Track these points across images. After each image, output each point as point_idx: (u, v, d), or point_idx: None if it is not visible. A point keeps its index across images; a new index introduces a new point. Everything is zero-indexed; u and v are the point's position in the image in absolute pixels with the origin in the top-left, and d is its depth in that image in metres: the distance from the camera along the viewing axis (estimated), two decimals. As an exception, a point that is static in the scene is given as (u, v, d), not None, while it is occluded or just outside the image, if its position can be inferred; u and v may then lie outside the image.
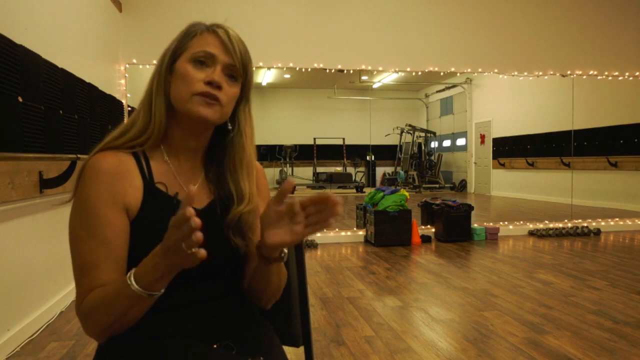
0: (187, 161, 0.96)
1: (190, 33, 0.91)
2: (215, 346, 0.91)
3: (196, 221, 0.69)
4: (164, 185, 0.92)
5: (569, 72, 5.90)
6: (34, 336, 2.62)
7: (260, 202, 1.00)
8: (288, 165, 11.01)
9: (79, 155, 3.01)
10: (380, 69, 5.53)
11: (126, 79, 4.87)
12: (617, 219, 6.20)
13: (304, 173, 11.27)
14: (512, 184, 9.43)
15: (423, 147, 12.22)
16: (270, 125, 10.86)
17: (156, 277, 0.77)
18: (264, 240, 0.84)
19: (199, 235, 0.70)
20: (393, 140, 11.92)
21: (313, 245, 5.18)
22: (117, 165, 0.88)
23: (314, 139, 11.30)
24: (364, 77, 9.56)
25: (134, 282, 0.77)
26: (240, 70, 0.91)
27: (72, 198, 0.89)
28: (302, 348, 1.16)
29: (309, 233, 0.82)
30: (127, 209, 0.87)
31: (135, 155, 0.91)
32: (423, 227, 5.71)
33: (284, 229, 0.82)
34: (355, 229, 5.74)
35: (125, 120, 4.65)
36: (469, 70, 5.72)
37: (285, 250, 0.89)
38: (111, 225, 0.85)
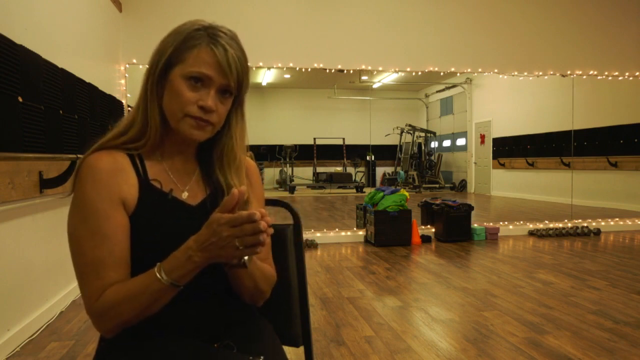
0: (180, 160, 0.98)
1: (188, 42, 0.88)
2: (215, 345, 0.91)
3: (265, 223, 0.77)
4: (159, 182, 0.93)
5: (569, 72, 5.90)
6: (34, 336, 2.62)
7: (254, 202, 1.00)
8: (288, 165, 11.01)
9: (79, 155, 3.01)
10: (380, 69, 5.53)
11: (126, 79, 4.87)
12: (617, 219, 6.20)
13: (304, 173, 11.28)
14: (512, 184, 9.44)
15: (423, 147, 12.23)
16: (270, 125, 10.86)
17: (189, 270, 0.81)
18: None
19: (264, 238, 0.77)
20: (393, 140, 11.93)
21: (313, 245, 5.18)
22: (113, 163, 0.89)
23: (314, 139, 11.30)
24: (364, 77, 9.57)
25: (164, 276, 0.81)
26: (234, 88, 0.91)
27: (70, 194, 0.89)
28: (302, 348, 1.16)
29: (244, 253, 0.80)
30: (124, 205, 0.88)
31: (130, 155, 0.93)
32: (423, 227, 5.71)
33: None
34: (355, 229, 5.74)
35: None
36: (469, 70, 5.72)
37: (246, 257, 0.88)
38: (112, 221, 0.86)
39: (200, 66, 0.87)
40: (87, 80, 3.57)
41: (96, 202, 0.85)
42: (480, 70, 5.72)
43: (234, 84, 0.90)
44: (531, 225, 5.96)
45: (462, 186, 11.11)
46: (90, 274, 0.84)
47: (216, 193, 0.97)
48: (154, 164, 0.95)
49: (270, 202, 1.17)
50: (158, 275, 0.81)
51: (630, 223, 6.17)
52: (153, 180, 0.93)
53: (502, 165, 9.58)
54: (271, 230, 0.80)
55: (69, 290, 3.21)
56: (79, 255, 0.85)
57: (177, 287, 0.82)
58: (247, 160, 1.04)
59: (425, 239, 5.37)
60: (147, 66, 0.94)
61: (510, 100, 9.15)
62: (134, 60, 4.89)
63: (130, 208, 0.89)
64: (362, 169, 11.78)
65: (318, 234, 5.43)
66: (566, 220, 6.06)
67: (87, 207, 0.85)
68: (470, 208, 5.41)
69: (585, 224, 5.97)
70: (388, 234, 5.14)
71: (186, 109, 0.88)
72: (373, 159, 11.68)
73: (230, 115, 0.96)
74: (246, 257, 0.89)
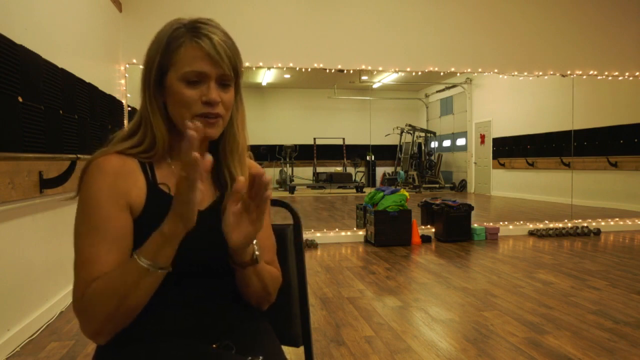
0: None
1: (172, 44, 0.88)
2: (214, 346, 0.91)
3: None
4: (167, 186, 0.92)
5: (569, 72, 5.90)
6: (34, 336, 2.62)
7: None
8: (288, 165, 11.01)
9: (79, 155, 3.01)
10: (380, 69, 5.53)
11: (126, 79, 4.87)
12: (617, 219, 6.20)
13: (304, 173, 11.28)
14: (512, 184, 9.44)
15: (423, 147, 12.23)
16: (270, 125, 10.86)
17: (160, 243, 0.79)
18: (232, 245, 0.85)
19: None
20: (393, 140, 11.93)
21: (313, 245, 5.18)
22: (121, 166, 0.88)
23: (314, 139, 11.30)
24: (364, 77, 9.57)
25: (140, 256, 0.79)
26: (231, 76, 0.90)
27: (76, 196, 0.89)
28: (302, 348, 1.16)
29: (260, 215, 0.83)
30: (130, 208, 0.87)
31: (140, 162, 0.92)
32: (423, 227, 5.71)
33: (244, 223, 0.84)
34: (355, 229, 5.74)
35: (126, 122, 4.68)
36: (469, 70, 5.72)
37: (257, 252, 0.90)
38: (114, 222, 0.85)
39: (191, 64, 0.86)
40: (87, 80, 3.57)
41: (100, 201, 0.85)
42: (480, 70, 5.72)
43: (229, 71, 0.88)
44: (531, 225, 5.96)
45: (462, 186, 11.11)
46: (82, 271, 0.83)
47: (224, 196, 0.96)
48: (163, 168, 0.94)
49: (270, 202, 1.16)
50: (135, 255, 0.80)
51: (630, 223, 6.17)
52: (161, 184, 0.92)
53: (502, 165, 9.58)
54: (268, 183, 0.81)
55: (69, 290, 3.21)
56: (77, 252, 0.84)
57: (154, 269, 0.79)
58: (251, 162, 1.04)
59: (425, 239, 5.37)
60: (140, 75, 0.93)
61: (510, 100, 9.15)
62: (134, 60, 4.89)
63: (137, 211, 0.88)
64: (362, 169, 11.78)
65: (318, 234, 5.43)
66: (566, 220, 6.06)
67: (91, 206, 0.85)
68: (470, 208, 5.41)
69: (585, 224, 5.97)
70: (388, 234, 5.14)
71: (192, 109, 0.87)
72: (373, 159, 11.68)
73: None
74: (257, 252, 0.90)
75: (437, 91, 11.83)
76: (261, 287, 0.95)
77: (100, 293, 0.80)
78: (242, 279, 0.93)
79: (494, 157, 9.80)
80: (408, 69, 5.57)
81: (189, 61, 0.86)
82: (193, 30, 0.88)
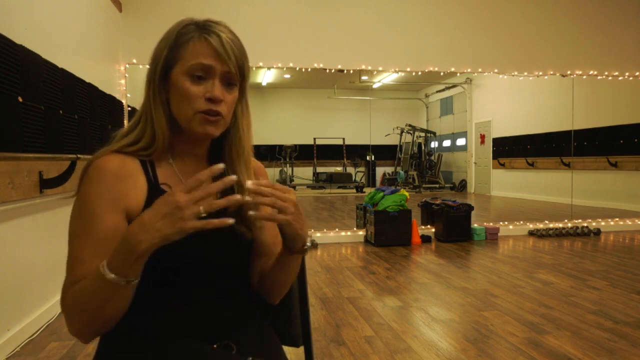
0: (191, 163, 0.96)
1: (181, 39, 0.88)
2: (214, 346, 0.91)
3: (232, 179, 0.77)
4: (169, 187, 0.92)
5: (569, 72, 5.90)
6: (34, 336, 2.62)
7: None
8: (288, 165, 11.00)
9: (79, 155, 3.00)
10: (380, 69, 5.53)
11: (126, 79, 4.87)
12: (617, 219, 6.20)
13: (304, 173, 11.27)
14: (512, 184, 9.43)
15: (423, 147, 12.22)
16: (270, 125, 10.86)
17: (132, 261, 0.74)
18: (282, 231, 0.89)
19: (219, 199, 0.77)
20: (393, 140, 11.92)
21: (313, 245, 5.17)
22: (121, 167, 0.88)
23: (314, 139, 11.30)
24: (364, 77, 9.56)
25: (108, 272, 0.74)
26: (237, 75, 0.90)
27: (74, 196, 0.88)
28: (302, 348, 1.16)
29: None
30: (127, 211, 0.87)
31: (142, 161, 0.91)
32: (423, 227, 5.71)
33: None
34: (355, 229, 5.74)
35: (126, 122, 4.68)
36: (469, 70, 5.72)
37: (309, 244, 0.92)
38: (104, 224, 0.84)
39: (198, 58, 0.87)
40: (87, 80, 3.57)
41: (94, 202, 0.84)
42: (480, 70, 5.72)
43: (235, 69, 0.88)
44: (531, 225, 5.96)
45: (462, 186, 11.11)
46: (69, 271, 0.83)
47: (227, 192, 0.95)
48: (164, 168, 0.93)
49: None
50: (101, 270, 0.75)
51: (630, 223, 6.17)
52: (163, 184, 0.91)
53: (502, 165, 9.58)
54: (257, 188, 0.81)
55: (69, 290, 3.20)
56: (68, 252, 0.85)
57: (128, 283, 0.76)
58: (255, 161, 1.04)
59: (425, 239, 5.36)
60: (147, 66, 0.93)
61: (510, 100, 9.14)
62: (134, 60, 4.89)
63: (136, 212, 0.87)
64: (362, 169, 11.77)
65: (318, 234, 5.43)
66: (566, 220, 6.06)
67: (85, 208, 0.85)
68: (470, 208, 5.41)
69: (585, 224, 5.96)
70: (388, 234, 5.14)
71: (195, 105, 0.87)
72: (373, 159, 11.68)
73: (236, 106, 0.95)
74: (308, 244, 0.91)
75: (437, 91, 11.82)
76: (289, 277, 0.97)
77: (74, 303, 0.81)
78: (285, 267, 0.95)
79: (494, 157, 9.80)
80: (408, 69, 5.57)
81: (196, 55, 0.87)
82: (203, 27, 0.89)
